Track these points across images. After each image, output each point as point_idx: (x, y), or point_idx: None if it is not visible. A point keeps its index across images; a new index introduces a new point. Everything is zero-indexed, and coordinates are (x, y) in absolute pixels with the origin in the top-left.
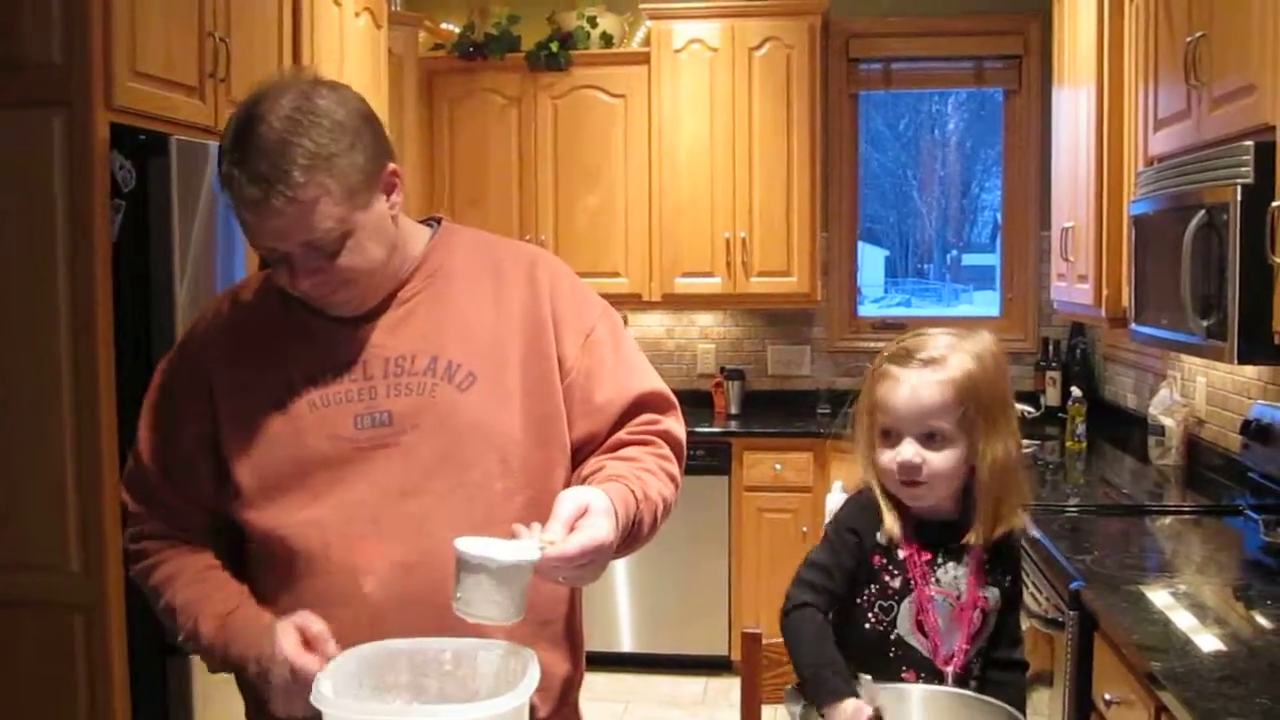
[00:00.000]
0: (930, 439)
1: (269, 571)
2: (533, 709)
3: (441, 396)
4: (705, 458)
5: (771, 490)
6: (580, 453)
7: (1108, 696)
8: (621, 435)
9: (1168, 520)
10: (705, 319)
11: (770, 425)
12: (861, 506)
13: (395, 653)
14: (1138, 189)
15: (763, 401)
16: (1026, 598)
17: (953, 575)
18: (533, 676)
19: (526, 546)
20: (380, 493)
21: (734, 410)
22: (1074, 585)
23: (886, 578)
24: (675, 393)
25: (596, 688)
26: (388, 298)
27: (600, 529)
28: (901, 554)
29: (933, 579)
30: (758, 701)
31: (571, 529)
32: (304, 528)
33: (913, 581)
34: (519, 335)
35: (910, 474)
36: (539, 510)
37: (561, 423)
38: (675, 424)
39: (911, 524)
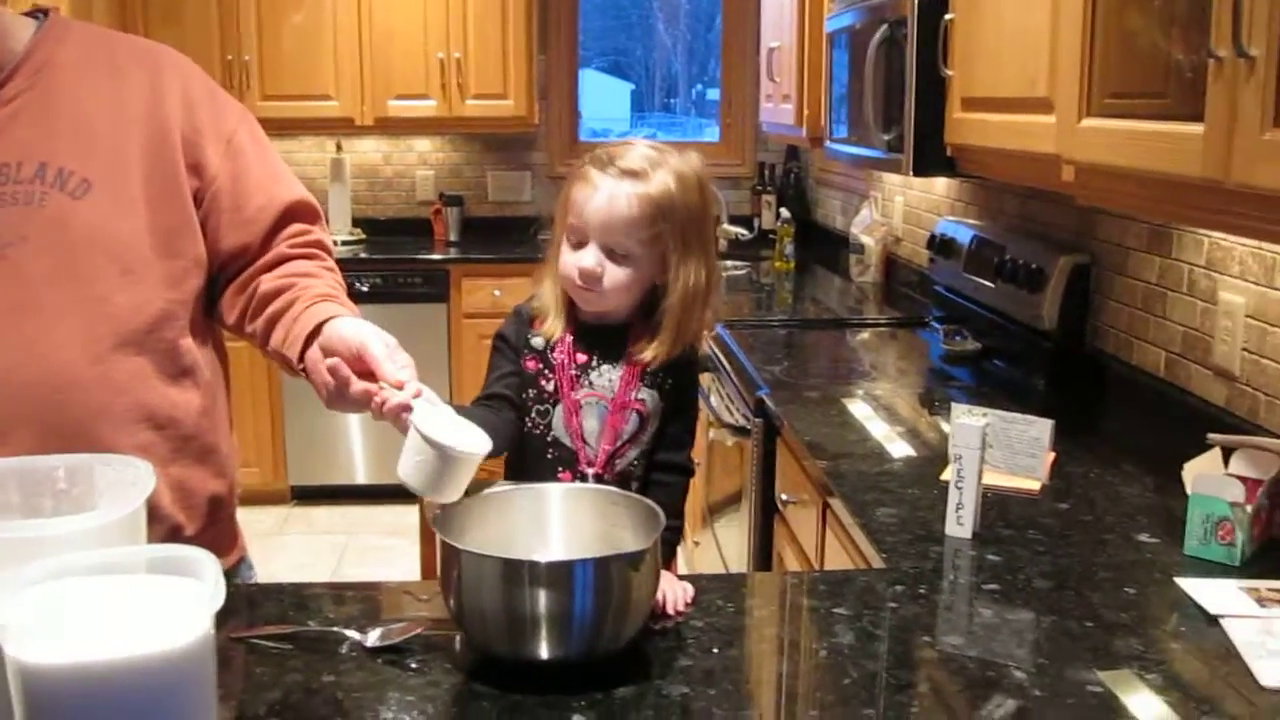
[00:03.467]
0: (618, 249)
1: None
2: (179, 528)
3: (52, 206)
4: (424, 285)
5: (491, 316)
6: (231, 265)
7: (785, 497)
8: (283, 249)
9: (864, 334)
10: (423, 144)
11: (490, 251)
12: (518, 315)
13: (3, 473)
14: (835, 4)
15: (483, 228)
16: (722, 411)
17: (608, 378)
18: (145, 486)
19: (475, 436)
20: None
21: (453, 237)
22: (760, 393)
23: (543, 382)
24: (393, 221)
25: (319, 521)
26: None
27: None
28: (556, 358)
29: (586, 382)
30: None
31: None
32: None
33: (561, 386)
34: (140, 140)
35: (589, 281)
36: (171, 324)
37: (192, 231)
38: (325, 234)
39: (575, 328)
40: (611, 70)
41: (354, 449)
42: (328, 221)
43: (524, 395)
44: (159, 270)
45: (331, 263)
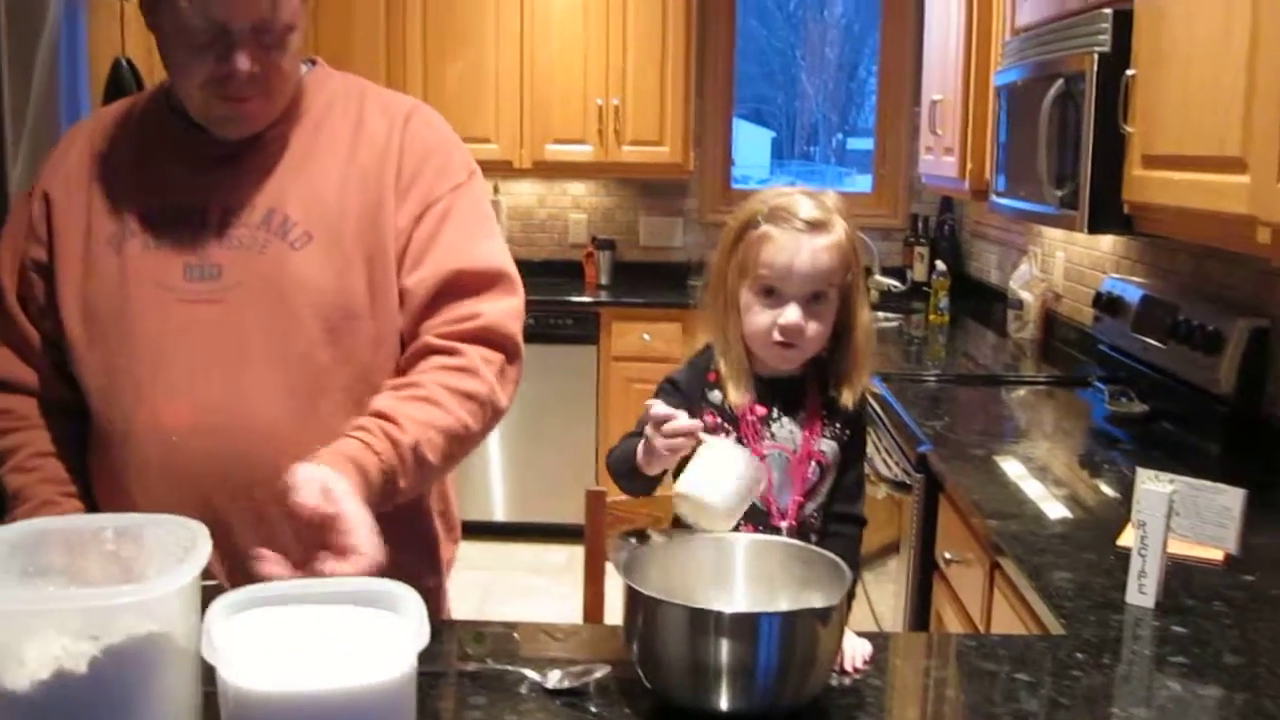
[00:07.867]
0: (814, 302)
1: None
2: None
3: (272, 254)
4: (574, 327)
5: (639, 360)
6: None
7: (948, 555)
8: (430, 340)
9: (1021, 391)
10: (577, 188)
11: (640, 296)
12: (693, 367)
13: (46, 532)
14: (1003, 59)
15: (634, 272)
16: (879, 464)
17: (789, 430)
18: (202, 552)
19: (743, 468)
20: (198, 353)
21: (604, 281)
22: (921, 449)
23: (722, 435)
24: (546, 263)
25: (466, 557)
26: (239, 141)
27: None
28: (739, 413)
29: (768, 434)
30: (602, 559)
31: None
32: (115, 378)
33: (745, 439)
34: (359, 196)
35: (793, 336)
36: (366, 385)
37: (394, 295)
38: (494, 306)
39: (750, 382)
40: (752, 117)
41: (493, 486)
42: None
43: None
44: (361, 329)
45: (474, 357)
